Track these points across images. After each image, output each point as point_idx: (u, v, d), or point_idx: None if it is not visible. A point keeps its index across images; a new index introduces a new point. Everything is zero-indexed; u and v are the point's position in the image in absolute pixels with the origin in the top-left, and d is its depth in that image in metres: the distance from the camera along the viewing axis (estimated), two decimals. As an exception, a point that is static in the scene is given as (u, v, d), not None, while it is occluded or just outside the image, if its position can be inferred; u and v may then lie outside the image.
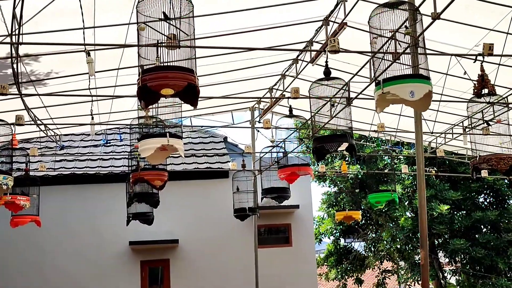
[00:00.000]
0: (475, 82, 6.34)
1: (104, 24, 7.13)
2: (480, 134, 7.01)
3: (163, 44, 4.73)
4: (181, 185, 14.40)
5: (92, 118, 9.28)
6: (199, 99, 4.80)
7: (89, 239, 14.45)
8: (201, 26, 6.85)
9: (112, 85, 9.18)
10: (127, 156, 10.14)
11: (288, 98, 8.47)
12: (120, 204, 10.56)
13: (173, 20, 4.76)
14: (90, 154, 15.11)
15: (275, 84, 11.00)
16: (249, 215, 10.78)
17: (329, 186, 19.53)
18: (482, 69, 6.28)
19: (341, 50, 6.02)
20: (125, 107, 10.49)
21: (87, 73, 6.25)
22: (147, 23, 4.79)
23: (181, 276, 14.67)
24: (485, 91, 6.33)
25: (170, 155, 6.62)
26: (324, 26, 8.02)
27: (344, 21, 7.36)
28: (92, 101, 9.22)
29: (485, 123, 6.90)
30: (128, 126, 9.25)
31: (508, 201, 17.31)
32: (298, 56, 9.53)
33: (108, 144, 15.62)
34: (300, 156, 9.40)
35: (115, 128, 14.85)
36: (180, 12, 4.80)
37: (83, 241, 14.42)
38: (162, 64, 4.69)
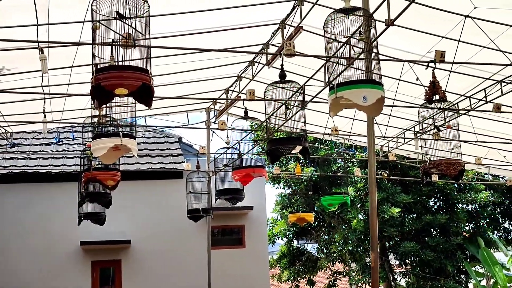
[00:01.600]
0: (427, 88, 6.47)
1: (58, 21, 7.03)
2: (431, 139, 7.15)
3: (118, 43, 4.70)
4: (134, 185, 14.30)
5: (45, 116, 9.13)
6: (154, 99, 4.78)
7: (40, 238, 14.20)
8: (157, 26, 6.81)
9: (65, 83, 9.05)
10: (79, 155, 10.01)
11: (244, 100, 8.48)
12: (72, 203, 10.39)
13: (129, 19, 4.73)
14: (42, 152, 14.86)
15: (231, 86, 11.00)
16: (203, 216, 10.76)
17: (283, 188, 19.63)
18: (433, 76, 6.42)
19: (296, 53, 6.08)
20: (78, 106, 10.36)
21: (40, 70, 6.15)
22: (102, 22, 4.75)
23: (133, 277, 14.55)
24: (436, 97, 6.47)
25: (124, 155, 6.58)
26: (280, 29, 8.07)
27: (300, 25, 7.42)
28: (44, 98, 9.07)
29: (436, 129, 7.04)
30: (81, 125, 9.13)
31: (457, 205, 17.66)
32: (254, 58, 9.56)
33: (61, 143, 15.38)
34: (255, 157, 9.44)
35: (68, 126, 14.63)
36: (136, 11, 4.77)
37: (33, 241, 14.17)
38: (116, 64, 4.65)
